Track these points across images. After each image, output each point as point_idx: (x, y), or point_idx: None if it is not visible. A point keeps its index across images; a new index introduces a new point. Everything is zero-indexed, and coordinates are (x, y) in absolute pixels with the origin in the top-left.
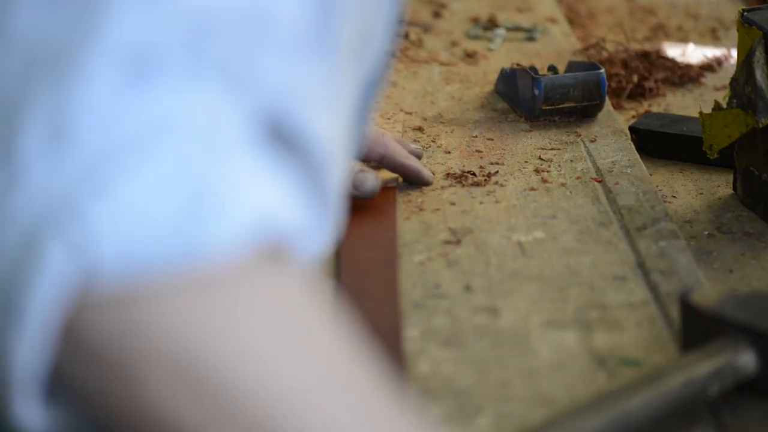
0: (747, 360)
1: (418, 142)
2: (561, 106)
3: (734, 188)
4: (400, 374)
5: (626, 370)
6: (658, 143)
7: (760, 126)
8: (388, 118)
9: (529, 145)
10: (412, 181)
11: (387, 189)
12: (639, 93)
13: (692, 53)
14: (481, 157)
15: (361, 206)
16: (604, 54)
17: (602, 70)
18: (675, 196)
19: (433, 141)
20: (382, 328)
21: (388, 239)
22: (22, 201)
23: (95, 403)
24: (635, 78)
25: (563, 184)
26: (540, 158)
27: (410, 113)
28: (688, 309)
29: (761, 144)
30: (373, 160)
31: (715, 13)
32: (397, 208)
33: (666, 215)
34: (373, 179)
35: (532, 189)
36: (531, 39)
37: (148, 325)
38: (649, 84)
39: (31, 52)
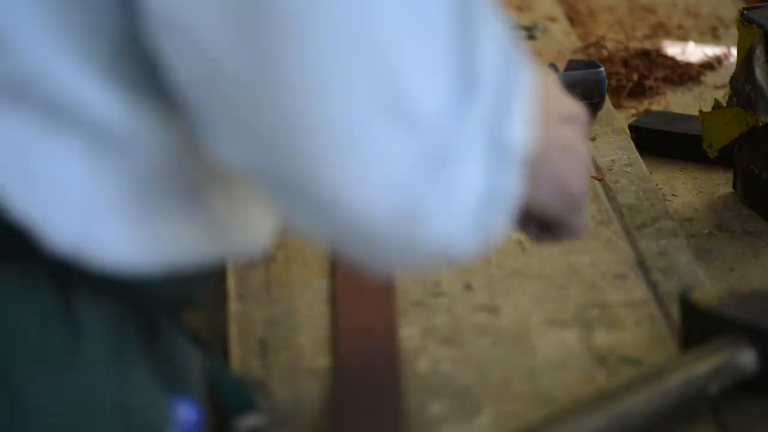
0: (747, 358)
1: None
2: None
3: (734, 187)
4: (396, 372)
5: (626, 368)
6: (658, 142)
7: (760, 124)
8: None
9: None
10: None
11: None
12: (639, 91)
13: (692, 52)
14: None
15: None
16: (604, 52)
17: (602, 69)
18: (675, 195)
19: None
20: (377, 326)
21: None
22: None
23: None
24: (635, 76)
25: None
26: None
27: None
28: (688, 307)
29: (761, 142)
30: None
31: (715, 11)
32: None
33: (666, 214)
34: None
35: None
36: (531, 37)
37: None
38: (649, 82)
39: None
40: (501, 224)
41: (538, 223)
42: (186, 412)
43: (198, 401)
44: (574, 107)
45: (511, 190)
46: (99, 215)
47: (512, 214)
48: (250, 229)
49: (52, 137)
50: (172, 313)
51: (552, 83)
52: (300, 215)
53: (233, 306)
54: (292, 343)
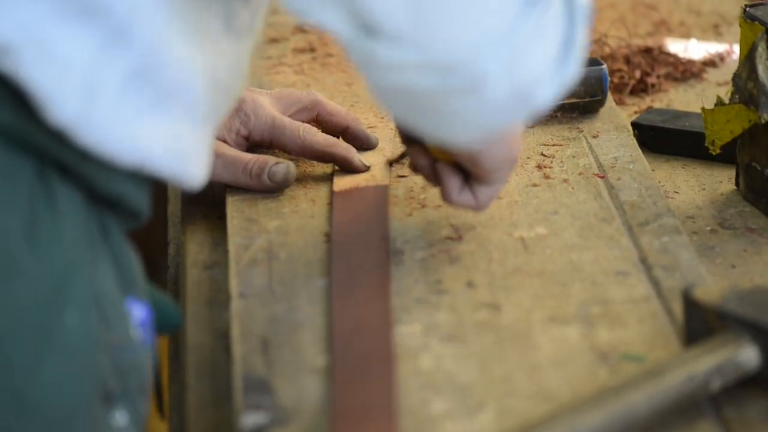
0: (750, 355)
1: None
2: (563, 101)
3: (737, 184)
4: (392, 371)
5: (628, 365)
6: (661, 139)
7: (763, 121)
8: (382, 117)
9: (531, 141)
10: (343, 169)
11: (378, 187)
12: (641, 89)
13: (694, 49)
14: None
15: (353, 202)
16: (606, 50)
17: (604, 66)
18: (677, 192)
19: None
20: (372, 326)
21: (379, 236)
22: None
23: None
24: (637, 74)
25: (565, 180)
26: (542, 154)
27: None
28: (690, 304)
29: (764, 139)
30: (292, 152)
31: (718, 8)
32: (389, 204)
33: (668, 211)
34: (283, 169)
35: (534, 185)
36: None
37: None
38: (652, 80)
39: None
40: (573, 72)
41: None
42: (140, 311)
43: (146, 302)
44: None
45: (582, 40)
46: (98, 97)
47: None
48: (195, 157)
49: (69, 20)
50: (123, 223)
51: None
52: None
53: (235, 304)
54: (294, 341)
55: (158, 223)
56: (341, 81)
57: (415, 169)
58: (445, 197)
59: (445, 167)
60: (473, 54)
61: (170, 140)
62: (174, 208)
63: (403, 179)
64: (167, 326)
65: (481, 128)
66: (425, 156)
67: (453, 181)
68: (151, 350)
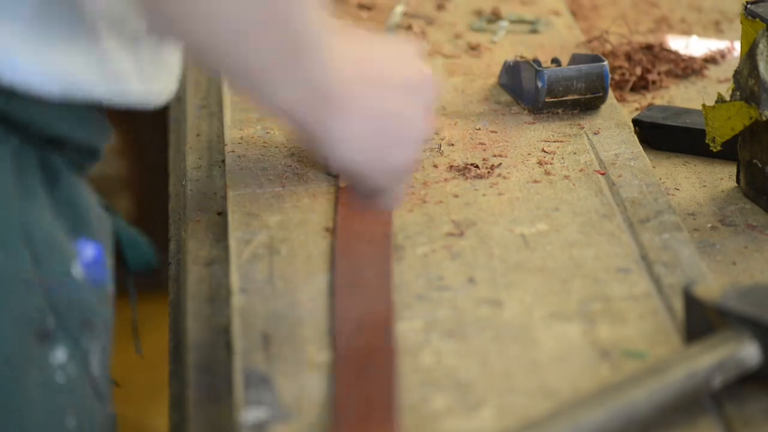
0: (751, 352)
1: None
2: (564, 98)
3: (737, 181)
4: (393, 367)
5: (629, 362)
6: (662, 136)
7: (764, 118)
8: None
9: (533, 137)
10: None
11: None
12: (642, 85)
13: (696, 46)
14: (485, 150)
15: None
16: (608, 46)
17: (605, 63)
18: (678, 189)
19: (436, 133)
20: (374, 320)
21: (383, 232)
22: None
23: None
24: (638, 70)
25: (566, 177)
26: (543, 150)
27: None
28: (691, 301)
29: (765, 136)
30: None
31: (719, 5)
32: None
33: (669, 207)
34: None
35: (536, 181)
36: (534, 31)
37: None
38: (653, 76)
39: None
40: None
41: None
42: (88, 250)
43: (99, 242)
44: (417, 77)
45: None
46: (8, 33)
47: None
48: (151, 84)
49: None
50: (74, 163)
51: (398, 49)
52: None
53: (236, 300)
54: (295, 336)
55: (159, 220)
56: None
57: None
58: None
59: None
60: None
61: (93, 62)
62: (174, 204)
63: None
64: (141, 264)
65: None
66: None
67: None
68: (102, 287)
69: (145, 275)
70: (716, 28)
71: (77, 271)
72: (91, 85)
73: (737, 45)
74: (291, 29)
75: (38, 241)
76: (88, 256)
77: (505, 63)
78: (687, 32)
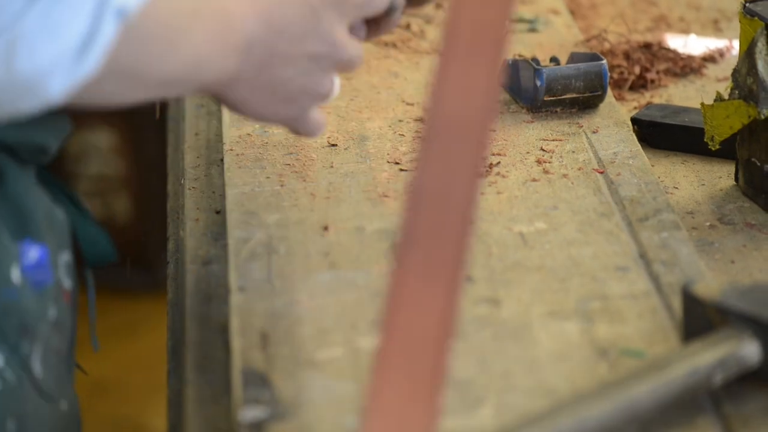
0: (751, 350)
1: (420, 133)
2: (563, 97)
3: (736, 179)
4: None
5: (628, 361)
6: (660, 134)
7: (762, 117)
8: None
9: (531, 136)
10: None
11: None
12: (641, 84)
13: (694, 44)
14: None
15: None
16: (606, 45)
17: (604, 62)
18: (677, 187)
19: None
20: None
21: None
22: None
23: None
24: (637, 69)
25: (565, 175)
26: (542, 149)
27: (411, 104)
28: (690, 300)
29: (763, 135)
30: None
31: (717, 4)
32: None
33: (668, 206)
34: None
35: (534, 180)
36: (533, 30)
37: None
38: (651, 75)
39: None
40: (93, 68)
41: None
42: (32, 252)
43: (46, 243)
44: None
45: (109, 38)
46: None
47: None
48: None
49: None
50: (23, 161)
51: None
52: None
53: (234, 298)
54: (294, 335)
55: (157, 220)
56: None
57: None
58: None
59: None
60: None
61: None
62: (173, 203)
63: (403, 173)
64: (99, 259)
65: None
66: None
67: None
68: (46, 289)
69: (103, 269)
70: (715, 27)
71: (16, 275)
72: None
73: (736, 44)
74: None
75: None
76: (30, 259)
77: (504, 62)
78: (686, 31)
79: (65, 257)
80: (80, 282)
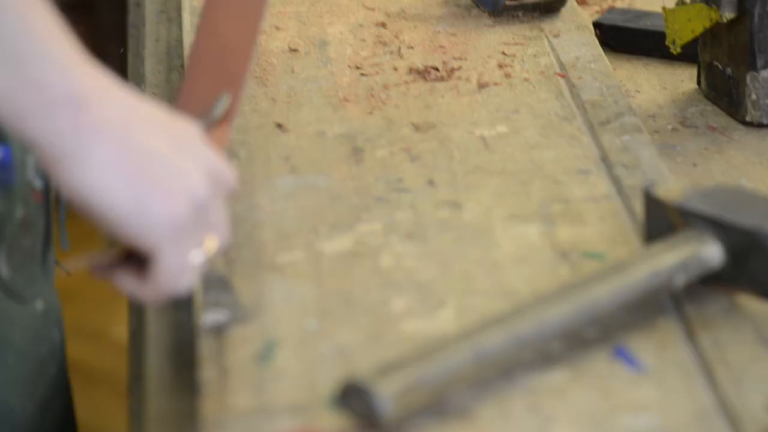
0: (712, 251)
1: (381, 38)
2: (525, 1)
3: (698, 83)
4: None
5: (589, 263)
6: (622, 38)
7: (724, 20)
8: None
9: (493, 40)
10: None
11: None
12: None
13: None
14: (444, 53)
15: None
16: None
17: None
18: (639, 91)
19: (396, 36)
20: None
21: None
22: None
23: None
24: None
25: (526, 79)
26: (503, 53)
27: (372, 9)
28: (651, 202)
29: (725, 39)
30: None
31: None
32: None
33: (630, 110)
34: None
35: (496, 84)
36: None
37: None
38: None
39: None
40: None
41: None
42: None
43: (8, 145)
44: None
45: None
46: None
47: None
48: None
49: None
50: None
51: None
52: None
53: None
54: (254, 239)
55: None
56: None
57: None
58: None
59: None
60: None
61: None
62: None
63: (364, 78)
64: None
65: None
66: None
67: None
68: (11, 188)
69: None
70: None
71: None
72: None
73: None
74: None
75: None
76: None
77: None
78: None
79: (34, 157)
80: None
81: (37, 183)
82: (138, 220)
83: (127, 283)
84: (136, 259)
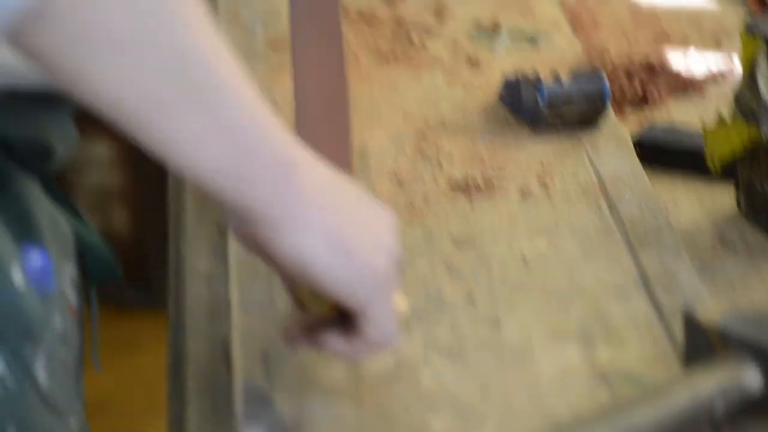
0: (752, 377)
1: (420, 147)
2: (564, 114)
3: (737, 202)
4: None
5: (628, 386)
6: (662, 155)
7: (764, 139)
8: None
9: (532, 152)
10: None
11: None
12: (642, 102)
13: (695, 61)
14: (484, 165)
15: None
16: (607, 62)
17: (605, 79)
18: (677, 207)
19: (435, 145)
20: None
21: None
22: None
23: None
24: (638, 86)
25: (565, 193)
26: (542, 165)
27: (411, 115)
28: (691, 325)
29: (764, 157)
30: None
31: (720, 21)
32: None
33: (669, 228)
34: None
35: (534, 197)
36: (534, 45)
37: None
38: (652, 92)
39: None
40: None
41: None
42: (34, 257)
43: (49, 249)
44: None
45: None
46: None
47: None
48: None
49: None
50: (26, 165)
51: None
52: None
53: (236, 317)
54: (295, 353)
55: (157, 234)
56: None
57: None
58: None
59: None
60: None
61: None
62: (174, 218)
63: (401, 190)
64: (103, 275)
65: None
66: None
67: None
68: (49, 296)
69: (108, 286)
70: (717, 45)
71: (19, 277)
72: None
73: (738, 61)
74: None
75: None
76: (33, 263)
77: (505, 78)
78: (687, 48)
79: (70, 270)
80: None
81: (73, 297)
82: (349, 279)
83: (336, 344)
84: (337, 323)
